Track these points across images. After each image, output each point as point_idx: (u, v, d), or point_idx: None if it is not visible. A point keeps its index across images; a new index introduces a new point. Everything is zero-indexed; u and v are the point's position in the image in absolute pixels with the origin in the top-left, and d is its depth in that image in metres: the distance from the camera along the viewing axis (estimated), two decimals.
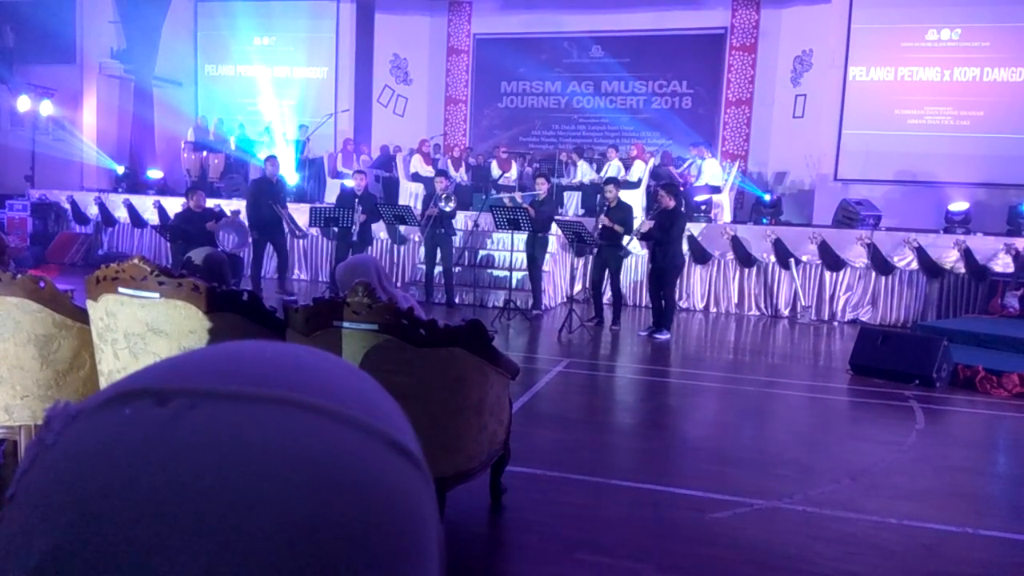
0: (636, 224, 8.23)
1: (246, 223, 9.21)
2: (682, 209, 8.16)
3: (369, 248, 10.00)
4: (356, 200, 9.27)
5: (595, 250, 8.44)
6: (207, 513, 0.31)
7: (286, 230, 9.56)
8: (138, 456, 0.32)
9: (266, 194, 9.20)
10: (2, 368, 3.20)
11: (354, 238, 9.32)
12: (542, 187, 8.90)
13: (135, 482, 0.31)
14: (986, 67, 11.71)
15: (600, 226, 8.14)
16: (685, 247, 8.88)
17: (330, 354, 0.40)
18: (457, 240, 9.65)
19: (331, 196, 11.41)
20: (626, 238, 8.20)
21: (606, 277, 8.42)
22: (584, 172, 11.70)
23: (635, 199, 10.15)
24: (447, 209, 9.08)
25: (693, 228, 9.81)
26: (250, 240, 9.17)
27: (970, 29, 11.73)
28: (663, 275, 7.90)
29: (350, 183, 9.78)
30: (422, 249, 9.86)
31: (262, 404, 0.34)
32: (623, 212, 8.18)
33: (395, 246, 10.62)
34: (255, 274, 9.38)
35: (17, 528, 0.32)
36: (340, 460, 0.34)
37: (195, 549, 0.30)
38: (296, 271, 11.13)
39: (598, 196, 10.77)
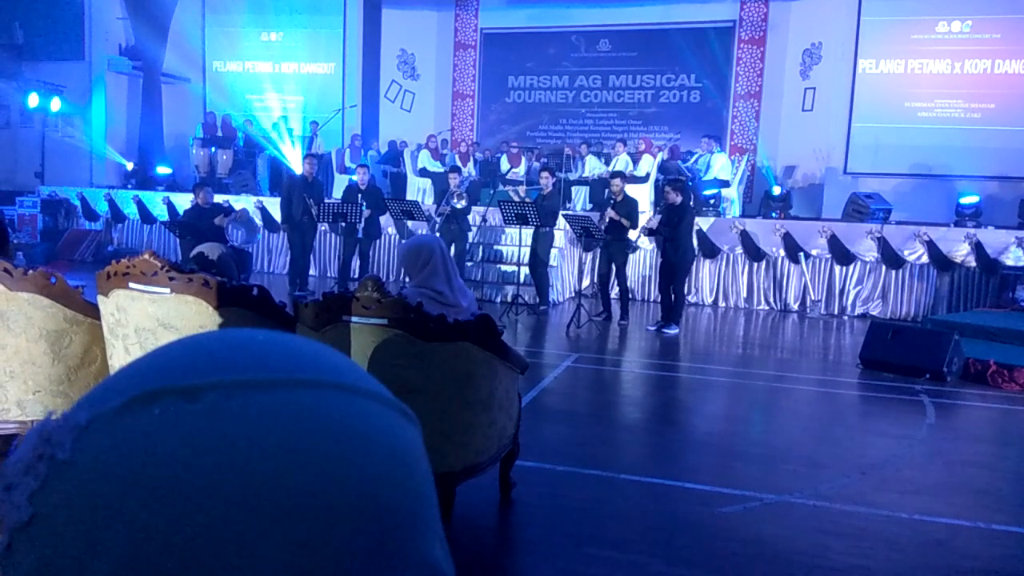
0: (643, 219, 8.19)
1: (258, 219, 9.21)
2: (690, 204, 8.13)
3: (376, 243, 10.01)
4: (359, 195, 9.27)
5: (602, 244, 8.41)
6: (277, 501, 0.30)
7: (319, 229, 9.57)
8: (186, 456, 0.30)
9: (300, 192, 9.22)
10: (14, 363, 3.22)
11: (359, 234, 9.32)
12: (546, 181, 8.87)
13: (192, 483, 0.30)
14: (997, 59, 11.63)
15: (607, 220, 8.12)
16: (695, 241, 8.85)
17: (302, 336, 0.40)
18: (471, 236, 9.64)
19: (339, 192, 11.43)
20: (632, 232, 8.17)
21: (613, 272, 8.40)
22: (592, 167, 11.66)
23: (643, 193, 10.12)
24: (459, 207, 9.07)
25: (702, 222, 9.78)
26: (258, 238, 9.18)
27: (981, 21, 11.65)
28: (674, 270, 7.89)
29: (356, 178, 9.79)
30: None
31: (292, 388, 0.34)
32: (629, 206, 8.15)
33: (403, 241, 10.63)
34: (294, 270, 9.46)
35: (61, 555, 0.30)
36: (381, 432, 0.35)
37: (276, 537, 0.30)
38: None
39: (606, 191, 10.75)
